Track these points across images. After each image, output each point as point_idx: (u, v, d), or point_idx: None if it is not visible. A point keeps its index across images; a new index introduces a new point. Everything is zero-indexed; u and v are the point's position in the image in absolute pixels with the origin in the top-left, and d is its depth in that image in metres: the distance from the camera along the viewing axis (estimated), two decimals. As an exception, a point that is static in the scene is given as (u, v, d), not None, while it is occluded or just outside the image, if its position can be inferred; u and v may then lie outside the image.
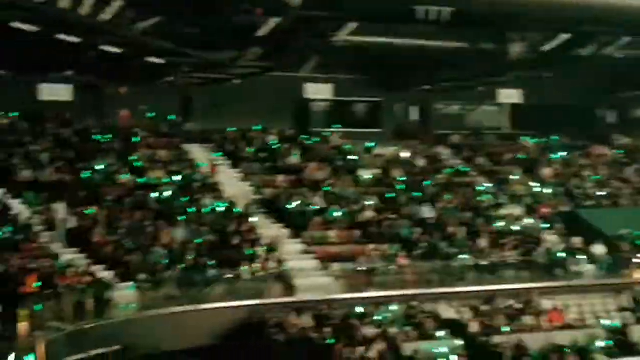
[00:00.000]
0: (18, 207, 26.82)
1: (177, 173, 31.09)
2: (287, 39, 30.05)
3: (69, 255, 25.05)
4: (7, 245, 24.02)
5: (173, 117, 35.00)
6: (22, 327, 19.72)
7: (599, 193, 36.61)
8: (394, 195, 33.45)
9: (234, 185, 32.06)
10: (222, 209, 29.67)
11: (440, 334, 26.25)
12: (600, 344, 27.65)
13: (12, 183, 27.81)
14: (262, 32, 28.54)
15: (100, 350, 20.58)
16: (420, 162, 36.87)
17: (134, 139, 32.61)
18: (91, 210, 27.32)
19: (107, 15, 25.38)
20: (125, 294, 23.98)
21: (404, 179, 34.75)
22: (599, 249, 32.18)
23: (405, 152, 37.23)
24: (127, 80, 33.29)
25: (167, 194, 29.45)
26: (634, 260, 31.94)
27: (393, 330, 26.08)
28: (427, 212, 32.81)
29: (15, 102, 31.72)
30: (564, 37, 31.31)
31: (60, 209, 26.66)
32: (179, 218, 28.31)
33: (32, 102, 32.62)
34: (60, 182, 28.58)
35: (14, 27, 25.58)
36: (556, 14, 28.52)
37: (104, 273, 24.74)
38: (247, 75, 33.75)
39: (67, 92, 33.70)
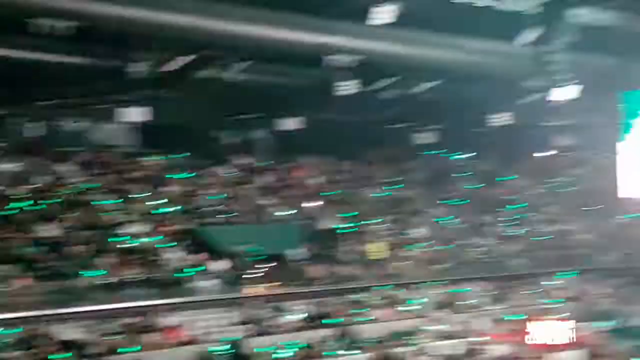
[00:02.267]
0: None
1: None
2: None
3: None
4: None
5: None
6: None
7: (219, 211, 37.82)
8: (14, 212, 32.27)
9: None
10: None
11: (61, 355, 25.77)
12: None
13: None
14: None
15: None
16: (43, 179, 35.85)
17: None
18: None
19: None
20: None
21: (26, 195, 33.64)
22: (220, 265, 33.32)
23: (28, 168, 36.03)
24: None
25: None
26: (252, 275, 33.56)
27: (7, 355, 25.20)
28: (49, 230, 32.04)
29: None
30: (187, 58, 31.91)
31: None
32: None
33: None
34: None
35: None
36: (183, 35, 28.80)
37: None
38: None
39: None
